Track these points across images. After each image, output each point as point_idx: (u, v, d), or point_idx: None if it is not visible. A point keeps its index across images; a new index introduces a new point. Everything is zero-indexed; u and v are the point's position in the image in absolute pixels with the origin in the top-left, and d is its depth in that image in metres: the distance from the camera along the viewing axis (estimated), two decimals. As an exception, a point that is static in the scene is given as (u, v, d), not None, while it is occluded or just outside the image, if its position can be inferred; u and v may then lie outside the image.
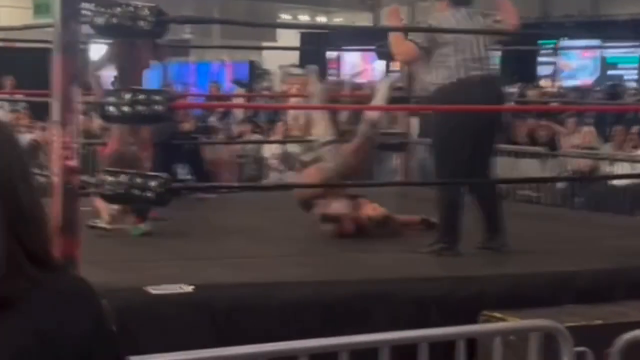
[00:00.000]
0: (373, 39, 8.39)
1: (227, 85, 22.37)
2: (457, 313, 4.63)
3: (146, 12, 4.07)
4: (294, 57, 27.96)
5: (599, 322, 4.60)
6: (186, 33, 33.18)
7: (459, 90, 5.56)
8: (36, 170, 8.76)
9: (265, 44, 28.34)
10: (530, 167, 9.76)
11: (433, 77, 5.68)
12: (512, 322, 4.12)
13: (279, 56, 27.64)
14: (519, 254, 5.81)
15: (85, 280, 1.59)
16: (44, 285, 1.50)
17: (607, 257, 5.74)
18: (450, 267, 5.32)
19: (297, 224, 6.59)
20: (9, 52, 17.40)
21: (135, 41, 6.05)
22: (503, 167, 10.26)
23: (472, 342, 4.30)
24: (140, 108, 4.25)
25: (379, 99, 6.73)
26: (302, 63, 26.86)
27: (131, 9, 4.04)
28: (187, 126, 8.42)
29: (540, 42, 25.16)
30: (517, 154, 10.07)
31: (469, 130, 5.54)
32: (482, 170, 5.79)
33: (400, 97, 7.98)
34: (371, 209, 6.31)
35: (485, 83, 5.61)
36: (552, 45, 28.62)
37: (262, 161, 11.40)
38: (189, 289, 4.20)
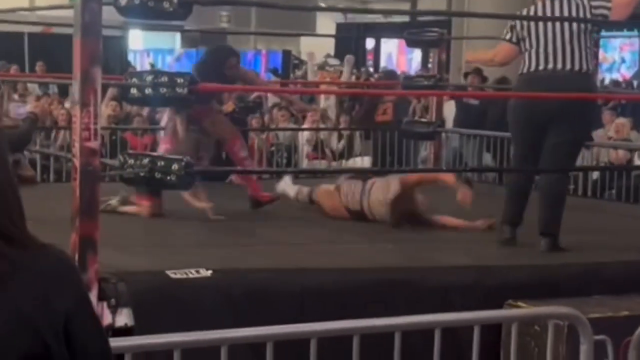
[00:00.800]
0: (410, 29, 8.33)
1: (263, 75, 22.37)
2: (482, 302, 4.59)
3: (169, -8, 4.04)
4: (331, 47, 27.94)
5: (626, 313, 4.53)
6: (223, 22, 33.30)
7: (523, 83, 5.63)
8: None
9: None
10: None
11: (519, 70, 5.73)
12: (530, 309, 4.06)
13: (317, 46, 27.63)
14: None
15: (67, 260, 1.57)
16: (23, 265, 1.48)
17: (635, 248, 5.65)
18: (476, 256, 5.26)
19: (315, 216, 6.56)
20: (44, 37, 17.49)
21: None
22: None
23: (497, 332, 4.26)
24: (162, 90, 4.23)
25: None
26: (338, 53, 26.84)
27: (153, -11, 4.01)
28: (229, 107, 8.41)
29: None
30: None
31: (524, 122, 5.60)
32: (550, 162, 5.66)
33: (432, 85, 7.92)
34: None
35: (554, 77, 5.52)
36: (593, 38, 28.31)
37: (292, 149, 11.36)
38: (208, 273, 4.17)
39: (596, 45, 30.93)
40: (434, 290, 4.64)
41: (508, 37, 5.66)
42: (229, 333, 2.95)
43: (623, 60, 27.64)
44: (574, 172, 9.25)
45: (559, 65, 5.49)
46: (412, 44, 8.45)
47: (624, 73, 26.37)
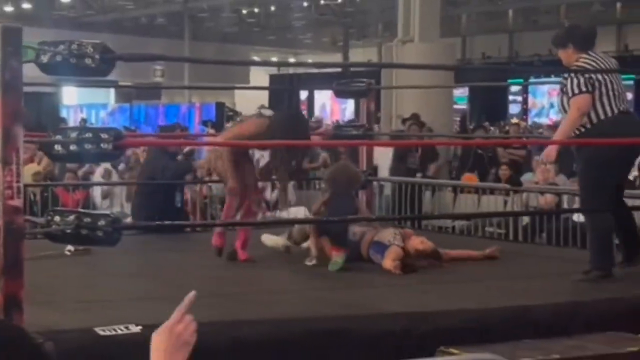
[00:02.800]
0: (342, 79, 8.40)
1: (197, 127, 22.35)
2: (415, 350, 4.59)
3: (91, 49, 4.03)
4: (265, 98, 28.06)
5: (557, 356, 4.56)
6: (157, 77, 33.32)
7: (610, 126, 5.92)
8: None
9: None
10: (493, 204, 9.78)
11: (591, 115, 5.95)
12: (455, 357, 4.09)
13: (251, 98, 27.72)
14: (478, 289, 5.79)
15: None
16: None
17: (566, 291, 5.72)
18: (408, 302, 5.28)
19: (259, 264, 6.55)
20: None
21: None
22: (466, 204, 10.29)
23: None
24: (87, 146, 4.19)
25: None
26: (272, 105, 26.94)
27: (75, 46, 4.00)
28: None
29: (509, 81, 25.34)
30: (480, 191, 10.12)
31: (620, 162, 6.03)
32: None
33: (361, 135, 7.98)
34: (419, 242, 6.45)
35: (630, 117, 6.08)
36: (521, 84, 28.86)
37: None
38: (137, 329, 4.13)
39: (525, 91, 31.54)
40: (366, 339, 4.64)
41: (585, 89, 5.90)
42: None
43: (552, 105, 28.13)
44: (504, 217, 9.40)
45: (626, 107, 6.04)
46: (340, 94, 8.50)
47: (553, 118, 26.82)
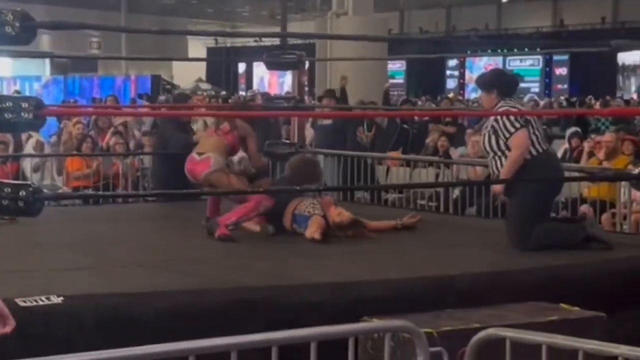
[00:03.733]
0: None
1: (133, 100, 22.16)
2: (338, 319, 4.62)
3: (10, 17, 3.98)
4: (204, 71, 27.91)
5: (477, 325, 4.62)
6: (94, 49, 32.96)
7: (545, 161, 6.24)
8: None
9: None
10: (425, 177, 9.86)
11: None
12: (367, 324, 4.14)
13: (189, 71, 27.58)
14: (402, 259, 5.85)
15: None
16: None
17: (489, 261, 5.80)
18: (331, 273, 5.32)
19: (183, 234, 6.56)
20: None
21: None
22: (398, 177, 10.36)
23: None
24: (7, 116, 4.15)
25: None
26: (209, 77, 26.80)
27: (-6, 14, 3.95)
28: None
29: (446, 56, 25.53)
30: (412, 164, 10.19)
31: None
32: None
33: (293, 106, 8.00)
34: (336, 214, 6.45)
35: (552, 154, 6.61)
36: (458, 59, 29.11)
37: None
38: (58, 300, 4.12)
39: (462, 66, 31.79)
40: (289, 309, 4.67)
41: (521, 124, 6.06)
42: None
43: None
44: (435, 189, 9.51)
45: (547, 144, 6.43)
46: (271, 66, 8.49)
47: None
